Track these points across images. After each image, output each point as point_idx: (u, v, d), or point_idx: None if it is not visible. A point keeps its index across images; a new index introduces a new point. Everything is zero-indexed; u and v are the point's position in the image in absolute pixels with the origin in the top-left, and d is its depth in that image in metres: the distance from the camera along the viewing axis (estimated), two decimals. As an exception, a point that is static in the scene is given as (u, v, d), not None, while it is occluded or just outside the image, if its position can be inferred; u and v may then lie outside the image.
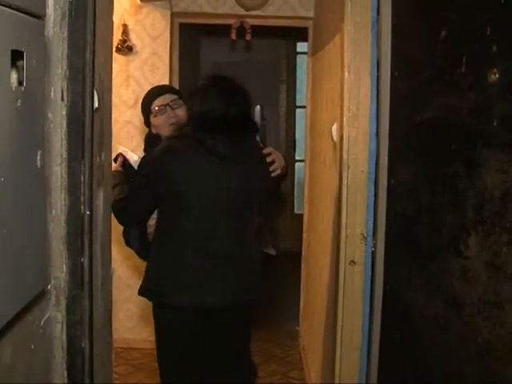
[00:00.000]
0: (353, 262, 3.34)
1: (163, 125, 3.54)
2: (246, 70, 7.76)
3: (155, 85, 4.16)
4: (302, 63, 9.61)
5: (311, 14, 5.76)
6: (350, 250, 3.35)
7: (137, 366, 5.58)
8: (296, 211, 9.99)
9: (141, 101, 3.76)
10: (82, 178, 2.12)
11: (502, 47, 1.93)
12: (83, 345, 2.19)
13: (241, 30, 5.79)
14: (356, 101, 3.30)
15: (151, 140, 3.59)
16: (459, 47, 2.23)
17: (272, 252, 9.05)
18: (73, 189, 2.10)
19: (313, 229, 5.49)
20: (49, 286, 2.05)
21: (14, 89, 1.55)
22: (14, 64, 1.56)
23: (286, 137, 10.34)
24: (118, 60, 5.42)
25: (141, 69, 5.74)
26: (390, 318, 3.04)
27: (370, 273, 3.31)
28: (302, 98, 9.54)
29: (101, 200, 2.50)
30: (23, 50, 1.58)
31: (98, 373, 2.38)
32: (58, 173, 2.08)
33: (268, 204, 3.63)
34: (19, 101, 1.57)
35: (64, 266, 2.12)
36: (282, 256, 9.07)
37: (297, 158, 10.10)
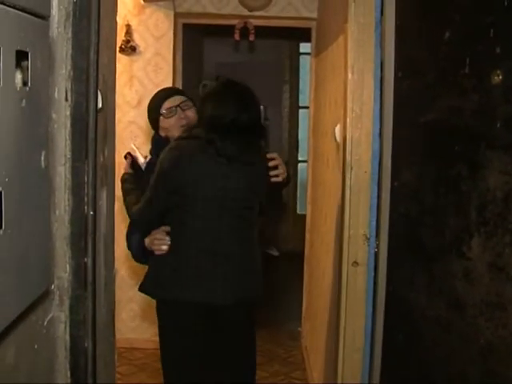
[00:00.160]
0: (355, 263, 3.34)
1: (173, 127, 3.52)
2: (249, 70, 7.78)
3: (161, 87, 4.15)
4: (305, 64, 9.60)
5: (314, 14, 5.77)
6: (353, 251, 3.35)
7: (139, 366, 5.59)
8: (299, 212, 9.99)
9: (148, 103, 3.74)
10: (86, 179, 2.13)
11: (506, 49, 1.93)
12: (86, 345, 2.20)
13: (244, 31, 5.79)
14: (359, 102, 3.30)
15: (159, 142, 3.57)
16: (463, 48, 2.23)
17: (274, 253, 9.08)
18: (76, 189, 2.11)
19: (315, 229, 5.49)
20: (52, 286, 2.06)
21: (18, 89, 1.55)
22: (18, 64, 1.56)
23: (288, 137, 10.34)
24: (121, 60, 5.42)
25: (144, 69, 5.74)
26: (393, 318, 3.04)
27: (372, 274, 3.30)
28: (304, 98, 9.53)
29: (104, 200, 2.51)
30: (28, 50, 1.59)
31: (100, 373, 2.38)
32: (62, 173, 2.08)
33: (269, 205, 3.63)
34: (24, 101, 1.57)
35: (67, 266, 2.12)
36: (285, 256, 9.09)
37: (300, 158, 10.10)
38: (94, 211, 2.19)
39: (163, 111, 3.57)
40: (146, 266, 3.49)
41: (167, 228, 3.35)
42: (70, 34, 2.07)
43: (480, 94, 2.10)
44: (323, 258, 4.72)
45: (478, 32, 2.11)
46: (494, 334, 1.96)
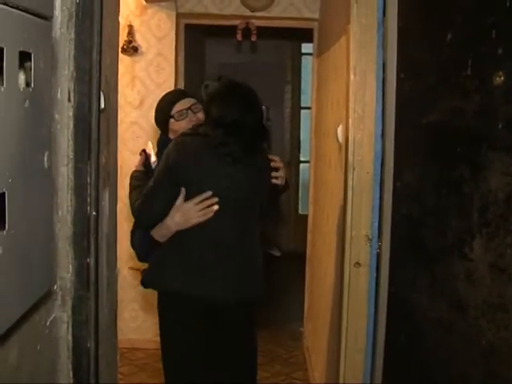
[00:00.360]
0: (357, 264, 3.34)
1: (184, 129, 3.51)
2: (251, 70, 7.77)
3: (163, 87, 4.15)
4: (307, 64, 9.60)
5: (316, 15, 5.77)
6: (355, 252, 3.35)
7: (141, 366, 5.59)
8: (300, 212, 9.99)
9: (156, 106, 3.73)
10: (89, 179, 2.13)
11: (508, 50, 1.93)
12: (89, 345, 2.20)
13: (246, 31, 5.79)
14: (361, 102, 3.31)
15: (165, 144, 3.55)
16: (465, 50, 2.23)
17: (276, 253, 9.07)
18: (79, 189, 2.11)
19: (317, 230, 5.49)
20: (55, 287, 2.06)
21: (21, 90, 1.56)
22: (21, 65, 1.57)
23: (290, 138, 10.33)
24: (123, 61, 5.42)
25: (146, 69, 5.74)
26: (395, 319, 3.05)
27: (374, 274, 3.31)
28: (306, 99, 9.52)
29: (106, 201, 2.51)
30: (31, 51, 1.59)
31: (103, 373, 2.39)
32: (65, 173, 2.09)
33: (267, 207, 3.64)
34: (27, 101, 1.58)
35: (70, 266, 2.13)
36: (287, 257, 9.09)
37: (301, 159, 10.10)
38: (97, 211, 2.19)
39: (174, 114, 3.56)
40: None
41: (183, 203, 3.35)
42: (72, 35, 2.07)
43: (482, 95, 2.10)
44: (325, 259, 4.72)
45: (479, 33, 2.11)
46: (495, 335, 1.96)
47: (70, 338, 2.17)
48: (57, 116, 2.01)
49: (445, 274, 2.37)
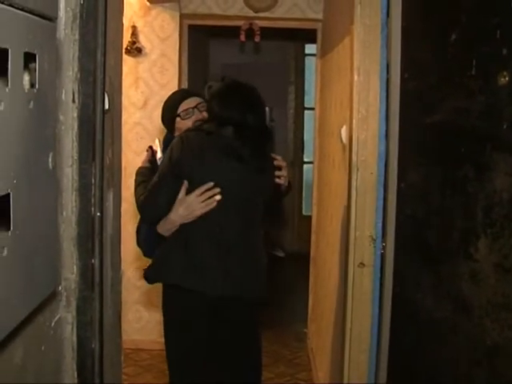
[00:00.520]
0: (362, 264, 3.34)
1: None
2: (255, 71, 7.78)
3: (167, 88, 4.16)
4: (311, 65, 9.61)
5: (320, 16, 5.77)
6: (359, 252, 3.35)
7: (145, 366, 5.60)
8: (304, 213, 9.98)
9: (162, 105, 3.77)
10: (93, 180, 2.13)
11: (512, 50, 1.93)
12: (93, 346, 2.20)
13: (250, 32, 5.79)
14: (365, 103, 3.31)
15: (171, 141, 3.58)
16: (469, 50, 2.23)
17: (280, 254, 9.08)
18: (83, 190, 2.11)
19: (321, 231, 5.49)
20: (59, 287, 2.06)
21: (26, 91, 1.56)
22: (26, 66, 1.57)
23: (294, 138, 10.33)
24: (127, 62, 5.43)
25: (150, 70, 5.75)
26: (399, 320, 3.04)
27: (379, 275, 3.31)
28: (310, 99, 9.53)
29: (111, 201, 2.51)
30: (36, 52, 1.59)
31: (107, 373, 2.39)
32: (69, 174, 2.09)
33: (270, 208, 3.65)
34: (31, 103, 1.58)
35: (74, 267, 2.13)
36: (291, 258, 9.09)
37: (305, 159, 10.10)
38: (101, 212, 2.20)
39: (180, 112, 3.60)
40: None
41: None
42: (76, 36, 2.07)
43: (486, 95, 2.10)
44: (329, 259, 4.72)
45: (484, 33, 2.11)
46: (500, 335, 1.96)
47: (74, 338, 2.17)
48: (61, 117, 2.01)
49: (449, 274, 2.37)
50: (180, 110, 3.61)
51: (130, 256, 5.55)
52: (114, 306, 2.61)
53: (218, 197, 3.28)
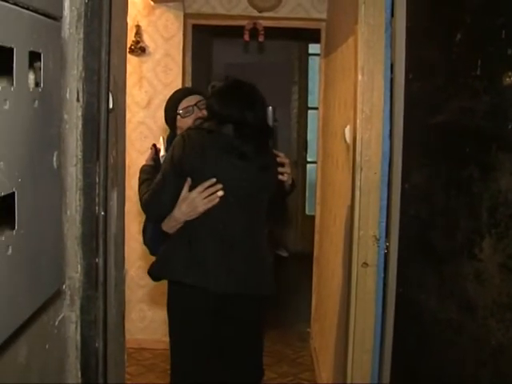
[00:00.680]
0: (365, 264, 3.34)
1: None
2: (259, 71, 7.78)
3: (171, 87, 4.17)
4: (314, 65, 9.61)
5: (324, 15, 5.77)
6: (363, 252, 3.35)
7: (148, 366, 5.60)
8: (308, 213, 9.98)
9: (164, 104, 3.79)
10: (97, 179, 2.13)
11: (517, 50, 1.93)
12: (97, 345, 2.21)
13: (253, 32, 5.80)
14: (369, 103, 3.31)
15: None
16: (474, 50, 2.22)
17: (284, 254, 9.08)
18: (88, 189, 2.11)
19: (325, 230, 5.49)
20: (63, 286, 2.06)
21: (31, 90, 1.56)
22: (30, 65, 1.57)
23: (297, 138, 10.33)
24: (130, 61, 5.43)
25: (154, 70, 5.75)
26: (403, 320, 3.04)
27: (382, 275, 3.31)
28: (313, 99, 9.52)
29: (115, 201, 2.51)
30: (40, 51, 1.59)
31: (111, 373, 2.39)
32: (73, 173, 2.09)
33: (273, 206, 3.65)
34: (36, 102, 1.58)
35: (78, 266, 2.13)
36: (294, 257, 9.09)
37: (308, 159, 10.09)
38: (105, 211, 2.20)
39: (180, 111, 3.62)
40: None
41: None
42: (81, 35, 2.07)
43: (491, 95, 2.10)
44: (332, 259, 4.72)
45: (489, 33, 2.10)
46: (505, 335, 1.96)
47: (78, 337, 2.17)
48: (65, 116, 2.01)
49: (454, 274, 2.37)
50: (180, 108, 3.63)
51: (133, 255, 5.55)
52: (117, 305, 2.61)
53: (221, 193, 3.29)
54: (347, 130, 3.76)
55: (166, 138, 3.81)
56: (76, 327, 2.15)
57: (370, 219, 3.34)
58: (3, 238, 1.41)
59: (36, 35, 1.57)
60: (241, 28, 5.79)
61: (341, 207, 4.22)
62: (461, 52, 2.36)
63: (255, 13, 5.82)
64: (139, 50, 5.64)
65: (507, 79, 1.96)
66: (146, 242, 3.69)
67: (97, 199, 2.14)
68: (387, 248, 3.21)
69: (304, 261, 7.15)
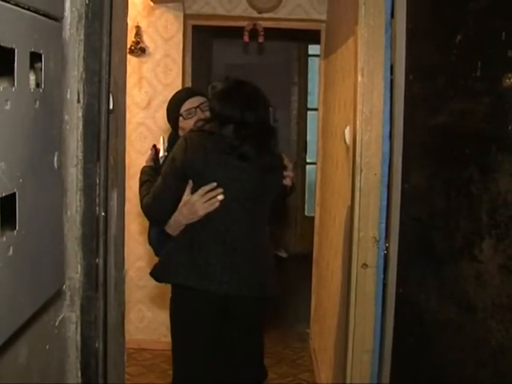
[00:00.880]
0: (365, 265, 3.34)
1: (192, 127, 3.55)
2: (258, 72, 7.77)
3: (170, 88, 4.16)
4: (314, 65, 9.61)
5: (324, 16, 5.76)
6: (363, 253, 3.35)
7: (148, 366, 5.60)
8: (307, 214, 9.98)
9: (167, 104, 3.79)
10: (98, 180, 2.14)
11: (517, 52, 1.93)
12: (97, 345, 2.21)
13: (253, 33, 5.80)
14: (369, 104, 3.30)
15: (175, 141, 3.61)
16: (474, 52, 2.23)
17: (283, 255, 9.08)
18: (88, 190, 2.12)
19: (324, 231, 5.49)
20: (64, 287, 2.06)
21: (32, 90, 1.56)
22: (31, 66, 1.57)
23: (297, 139, 10.32)
24: (130, 61, 5.43)
25: (153, 70, 5.75)
26: (403, 321, 3.04)
27: (382, 276, 3.31)
28: (313, 100, 9.52)
29: (115, 201, 2.51)
30: (41, 52, 1.60)
31: (111, 373, 2.39)
32: (74, 174, 2.09)
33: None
34: (37, 102, 1.58)
35: (79, 266, 2.13)
36: (293, 259, 9.09)
37: (308, 160, 10.09)
38: (106, 212, 2.20)
39: (183, 112, 3.61)
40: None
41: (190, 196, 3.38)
42: (82, 36, 2.08)
43: (491, 97, 2.10)
44: (332, 260, 4.72)
45: (489, 35, 2.11)
46: (504, 336, 1.96)
47: (78, 337, 2.17)
48: (66, 117, 2.01)
49: (453, 275, 2.37)
50: (183, 109, 3.63)
51: (132, 256, 5.55)
52: (117, 305, 2.61)
53: (221, 197, 3.29)
54: (347, 131, 3.76)
55: (167, 137, 3.82)
56: (76, 327, 2.16)
57: (369, 220, 3.34)
58: (4, 239, 1.41)
59: (37, 36, 1.57)
60: (241, 29, 5.79)
61: (340, 208, 4.23)
62: (461, 53, 2.36)
63: (255, 14, 5.82)
64: (139, 50, 5.63)
65: (507, 81, 1.97)
66: (150, 243, 3.70)
67: (97, 200, 2.15)
68: (387, 249, 3.21)
69: (303, 262, 7.14)
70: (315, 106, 6.95)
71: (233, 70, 8.20)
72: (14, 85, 1.44)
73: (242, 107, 3.35)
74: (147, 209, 3.46)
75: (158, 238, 3.59)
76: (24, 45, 1.49)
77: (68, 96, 2.03)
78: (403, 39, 3.04)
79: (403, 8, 3.04)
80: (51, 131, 1.73)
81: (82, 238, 2.13)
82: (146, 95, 5.76)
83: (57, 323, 2.02)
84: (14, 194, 1.44)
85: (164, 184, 3.36)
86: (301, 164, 10.06)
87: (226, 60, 9.11)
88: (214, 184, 3.30)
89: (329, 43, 5.58)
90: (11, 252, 1.43)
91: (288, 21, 5.90)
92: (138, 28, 5.61)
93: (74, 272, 2.12)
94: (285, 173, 3.50)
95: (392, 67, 3.19)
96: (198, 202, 3.31)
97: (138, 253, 5.64)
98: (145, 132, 5.75)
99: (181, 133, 3.65)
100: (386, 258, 3.23)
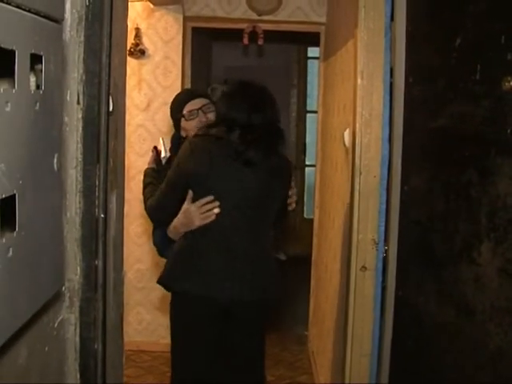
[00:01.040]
0: (364, 268, 3.34)
1: (194, 129, 3.56)
2: (258, 74, 7.75)
3: (170, 90, 4.16)
4: (313, 68, 9.62)
5: (323, 19, 5.77)
6: (362, 256, 3.35)
7: (146, 368, 5.59)
8: (306, 216, 9.98)
9: (170, 104, 3.80)
10: (97, 181, 2.14)
11: (517, 55, 1.93)
12: (96, 347, 2.21)
13: (253, 35, 5.80)
14: (369, 107, 3.31)
15: (178, 141, 3.63)
16: (474, 55, 2.23)
17: (282, 257, 9.07)
18: (87, 192, 2.12)
19: (323, 234, 5.49)
20: (63, 288, 2.06)
21: (32, 92, 1.56)
22: (32, 68, 1.57)
23: (296, 141, 10.33)
24: (130, 63, 5.42)
25: (153, 72, 5.75)
26: (402, 323, 3.04)
27: (381, 278, 3.31)
28: (312, 102, 9.53)
29: (114, 203, 2.51)
30: (42, 53, 1.60)
31: (109, 375, 2.39)
32: (73, 176, 2.09)
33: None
34: (37, 104, 1.58)
35: (78, 268, 2.13)
36: (292, 261, 9.08)
37: (307, 162, 10.10)
38: (105, 214, 2.20)
39: (185, 113, 3.62)
40: (153, 267, 3.52)
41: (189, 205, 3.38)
42: (82, 38, 2.08)
43: (491, 100, 2.10)
44: (331, 263, 4.72)
45: (489, 38, 2.11)
46: (503, 339, 1.96)
47: (77, 339, 2.17)
48: (66, 118, 2.01)
49: (452, 278, 2.37)
50: (185, 110, 3.63)
51: (131, 258, 5.56)
52: (116, 307, 2.61)
53: (217, 210, 3.30)
54: (346, 134, 3.76)
55: (170, 138, 3.83)
56: (75, 329, 2.16)
57: (369, 223, 3.34)
58: (4, 240, 1.41)
59: (37, 37, 1.57)
60: (240, 31, 5.80)
61: (339, 211, 4.23)
62: (460, 56, 2.37)
63: (255, 16, 5.82)
64: (139, 52, 5.63)
65: (506, 84, 1.97)
66: (155, 243, 3.72)
67: (96, 201, 2.15)
68: (386, 252, 3.22)
69: (302, 264, 7.14)
70: (314, 109, 6.97)
71: (232, 72, 8.22)
72: (14, 86, 1.44)
73: (249, 110, 3.32)
74: (151, 211, 3.50)
75: (161, 238, 3.60)
76: (24, 46, 1.49)
77: (68, 98, 2.03)
78: (403, 42, 3.04)
79: (403, 11, 3.05)
80: (51, 133, 1.73)
81: (82, 239, 2.13)
82: (145, 97, 5.76)
83: (56, 325, 2.02)
84: (14, 195, 1.44)
85: (167, 189, 3.37)
86: (300, 166, 10.07)
87: (225, 62, 9.12)
88: (211, 197, 3.30)
89: (328, 46, 5.58)
90: (11, 253, 1.44)
91: (288, 23, 5.91)
92: (137, 30, 5.61)
93: (74, 274, 2.12)
94: (289, 200, 3.53)
95: (392, 70, 3.20)
96: (194, 213, 3.33)
97: (136, 255, 5.65)
98: (144, 134, 5.75)
99: (183, 133, 3.67)
100: (385, 260, 3.23)
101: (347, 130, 3.75)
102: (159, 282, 3.49)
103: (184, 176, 3.31)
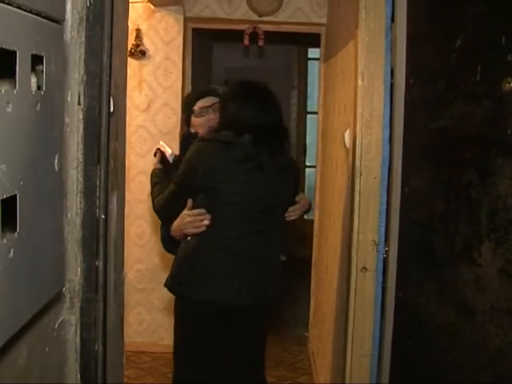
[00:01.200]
0: (364, 269, 3.34)
1: (203, 126, 3.65)
2: (258, 75, 7.76)
3: (170, 91, 4.20)
4: (313, 69, 9.62)
5: (324, 20, 5.77)
6: (362, 257, 3.35)
7: (146, 369, 5.59)
8: (306, 217, 9.94)
9: (182, 100, 3.86)
10: (98, 182, 2.14)
11: (517, 56, 1.94)
12: (96, 347, 2.21)
13: (253, 36, 5.80)
14: (369, 107, 3.31)
15: (187, 140, 3.68)
16: (474, 56, 2.23)
17: (282, 258, 9.05)
18: (88, 192, 2.12)
19: (323, 235, 5.49)
20: (63, 289, 2.06)
21: (33, 93, 1.56)
22: (33, 68, 1.57)
23: (296, 142, 10.32)
24: (130, 64, 5.42)
25: (153, 73, 5.75)
26: (402, 324, 3.04)
27: (381, 279, 3.31)
28: (312, 103, 9.53)
29: (115, 204, 2.51)
30: (43, 54, 1.60)
31: (110, 375, 2.39)
32: (74, 176, 2.09)
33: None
34: (38, 105, 1.58)
35: (78, 269, 2.13)
36: (292, 261, 9.08)
37: (307, 163, 10.10)
38: (106, 215, 2.20)
39: (195, 110, 3.65)
40: (153, 268, 3.53)
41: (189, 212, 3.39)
42: (83, 39, 2.08)
43: (491, 100, 2.11)
44: (331, 263, 4.72)
45: (489, 39, 2.11)
46: (503, 339, 1.96)
47: (77, 340, 2.17)
48: (67, 119, 2.01)
49: (453, 278, 2.37)
50: (196, 107, 3.67)
51: (131, 259, 5.55)
52: (116, 308, 2.61)
53: (206, 222, 3.31)
54: (347, 135, 3.77)
55: (180, 135, 3.89)
56: (76, 330, 2.16)
57: (369, 223, 3.34)
58: (5, 241, 1.41)
59: (38, 38, 1.58)
60: (241, 32, 5.80)
61: (340, 211, 4.23)
62: (461, 57, 2.37)
63: (255, 17, 5.83)
64: (139, 53, 5.64)
65: (507, 85, 1.97)
66: (162, 240, 3.76)
67: (97, 202, 2.15)
68: (386, 252, 3.22)
69: (302, 265, 7.14)
70: (315, 110, 6.96)
71: (233, 73, 8.22)
72: (15, 87, 1.44)
73: (257, 110, 3.34)
74: (159, 208, 3.56)
75: (168, 235, 3.62)
76: (25, 47, 1.49)
77: (69, 98, 2.03)
78: (403, 43, 3.04)
79: (403, 12, 3.05)
80: (52, 133, 1.73)
81: (82, 240, 2.13)
82: (145, 98, 5.76)
83: (56, 325, 2.02)
84: (15, 195, 1.44)
85: (176, 191, 3.42)
86: (300, 167, 10.06)
87: (225, 63, 9.12)
88: (203, 211, 3.32)
89: (329, 47, 5.58)
90: (12, 254, 1.44)
91: (288, 24, 5.91)
92: (138, 31, 5.61)
93: (74, 274, 2.12)
94: (288, 214, 3.58)
95: (392, 71, 3.20)
96: (186, 222, 3.38)
97: (137, 256, 5.64)
98: (144, 135, 5.75)
99: (192, 129, 3.76)
100: (386, 261, 3.23)
101: (348, 131, 3.75)
102: (165, 285, 3.50)
103: (191, 180, 3.31)
